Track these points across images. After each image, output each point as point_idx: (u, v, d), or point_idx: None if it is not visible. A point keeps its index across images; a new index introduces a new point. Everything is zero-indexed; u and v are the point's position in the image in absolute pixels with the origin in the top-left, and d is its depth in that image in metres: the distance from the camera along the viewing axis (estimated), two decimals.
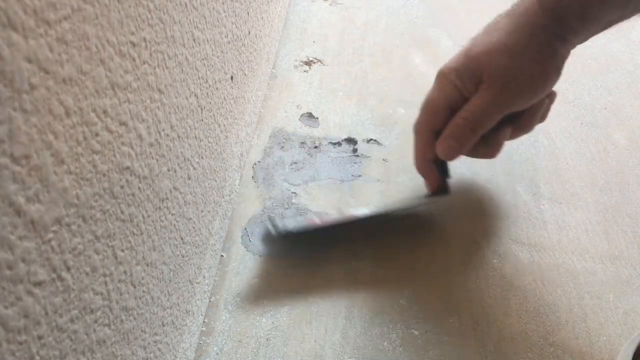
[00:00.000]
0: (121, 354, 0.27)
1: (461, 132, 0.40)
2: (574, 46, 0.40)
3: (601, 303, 0.44)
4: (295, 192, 0.51)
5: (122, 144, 0.25)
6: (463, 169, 0.53)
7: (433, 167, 0.44)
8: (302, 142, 0.55)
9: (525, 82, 0.39)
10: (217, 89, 0.40)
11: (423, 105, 0.43)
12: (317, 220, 0.45)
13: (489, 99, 0.39)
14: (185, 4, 0.31)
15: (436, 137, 0.42)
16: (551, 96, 0.44)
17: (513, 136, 0.44)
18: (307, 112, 0.58)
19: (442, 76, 0.42)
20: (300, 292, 0.44)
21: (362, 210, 0.45)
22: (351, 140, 0.56)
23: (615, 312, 0.44)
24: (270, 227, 0.44)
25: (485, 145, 0.43)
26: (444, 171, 0.45)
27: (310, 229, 0.44)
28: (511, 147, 0.56)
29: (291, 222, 0.45)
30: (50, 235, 0.20)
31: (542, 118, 0.45)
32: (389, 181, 0.52)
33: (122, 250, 0.26)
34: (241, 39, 0.46)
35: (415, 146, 0.44)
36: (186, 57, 0.32)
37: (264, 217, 0.47)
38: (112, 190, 0.24)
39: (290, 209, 0.49)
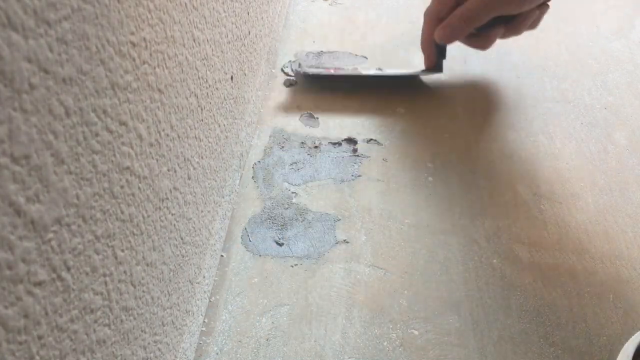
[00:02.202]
0: (121, 354, 0.27)
1: (456, 23, 0.50)
2: None
3: (601, 303, 0.44)
4: (295, 192, 0.51)
5: (122, 144, 0.25)
6: (464, 169, 0.53)
7: (433, 47, 0.54)
8: (302, 142, 0.55)
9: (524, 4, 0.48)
10: (217, 89, 0.40)
11: None
12: (332, 70, 0.60)
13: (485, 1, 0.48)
14: (185, 4, 0.31)
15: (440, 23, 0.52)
16: (542, 7, 0.52)
17: (504, 36, 0.54)
18: (307, 112, 0.58)
19: None
20: (300, 292, 0.44)
21: (371, 70, 0.60)
22: (351, 140, 0.56)
23: (615, 312, 0.44)
24: (294, 68, 0.61)
25: (479, 38, 0.53)
26: (441, 53, 0.56)
27: (326, 76, 0.59)
28: (511, 147, 0.56)
29: (311, 69, 0.61)
30: (50, 235, 0.20)
31: (532, 26, 0.54)
32: (389, 181, 0.52)
33: (122, 250, 0.26)
34: (241, 39, 0.46)
35: (422, 28, 0.54)
36: (186, 57, 0.32)
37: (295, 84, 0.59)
38: (112, 190, 0.24)
39: (291, 209, 0.49)
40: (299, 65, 0.61)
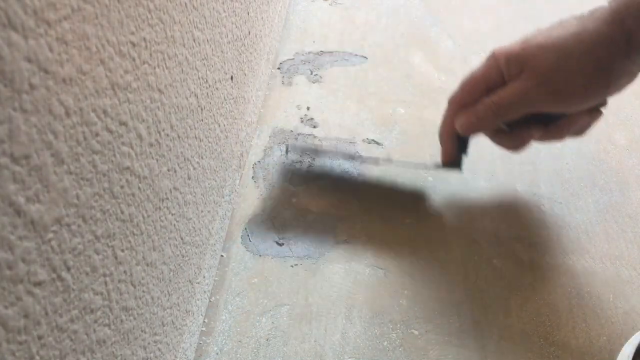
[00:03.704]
0: (121, 354, 0.27)
1: (484, 112, 0.41)
2: (636, 66, 0.38)
3: (601, 303, 0.44)
4: (295, 192, 0.51)
5: (122, 144, 0.25)
6: (464, 169, 0.53)
7: (454, 139, 0.45)
8: (302, 142, 0.55)
9: (565, 87, 0.38)
10: (217, 89, 0.40)
11: (464, 79, 0.43)
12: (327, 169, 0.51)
13: (521, 89, 0.39)
14: (185, 4, 0.31)
15: None
16: (594, 114, 0.42)
17: (542, 139, 0.44)
18: (307, 112, 0.58)
19: (492, 57, 0.42)
20: (300, 292, 0.44)
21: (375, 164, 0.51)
22: (351, 141, 0.56)
23: (615, 312, 0.44)
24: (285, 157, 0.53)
25: (511, 137, 0.43)
26: (463, 147, 0.46)
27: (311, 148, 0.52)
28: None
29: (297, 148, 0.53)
30: (50, 235, 0.20)
31: (579, 132, 0.44)
32: (389, 181, 0.52)
33: (122, 250, 0.26)
34: (241, 39, 0.46)
35: (443, 115, 0.45)
36: (186, 57, 0.32)
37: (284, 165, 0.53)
38: (112, 190, 0.24)
39: (291, 209, 0.49)
40: (287, 151, 0.53)
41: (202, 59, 0.36)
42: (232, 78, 0.44)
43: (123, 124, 0.25)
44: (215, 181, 0.42)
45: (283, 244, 0.47)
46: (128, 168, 0.26)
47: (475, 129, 0.43)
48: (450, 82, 0.62)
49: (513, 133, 0.43)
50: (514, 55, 0.40)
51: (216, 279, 0.45)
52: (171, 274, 0.34)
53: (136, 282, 0.28)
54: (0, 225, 0.17)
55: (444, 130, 0.45)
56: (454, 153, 0.45)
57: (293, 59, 0.65)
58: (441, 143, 0.46)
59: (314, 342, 0.41)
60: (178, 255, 0.35)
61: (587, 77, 0.38)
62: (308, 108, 0.59)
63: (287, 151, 0.52)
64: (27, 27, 0.17)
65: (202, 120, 0.37)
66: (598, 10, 0.38)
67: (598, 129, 0.59)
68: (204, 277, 0.41)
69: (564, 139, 0.44)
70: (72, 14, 0.20)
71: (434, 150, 0.55)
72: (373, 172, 0.53)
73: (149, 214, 0.29)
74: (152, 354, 0.32)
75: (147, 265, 0.30)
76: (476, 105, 0.41)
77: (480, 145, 0.57)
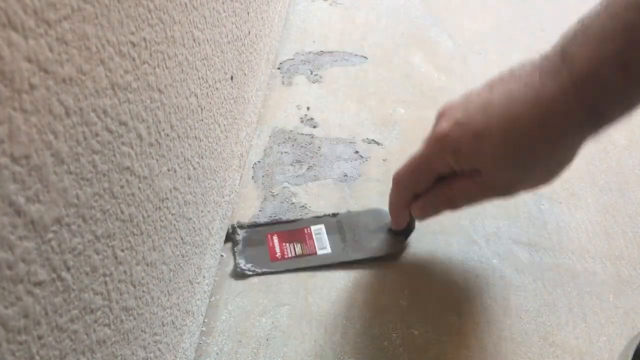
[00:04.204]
0: (121, 354, 0.27)
1: (441, 206, 0.41)
2: (590, 137, 0.35)
3: (601, 303, 0.44)
4: (295, 192, 0.51)
5: (122, 144, 0.25)
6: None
7: (406, 216, 0.44)
8: (302, 142, 0.55)
9: (530, 179, 0.37)
10: (217, 89, 0.40)
11: (410, 166, 0.41)
12: (277, 257, 0.46)
13: (480, 190, 0.38)
14: (185, 4, 0.31)
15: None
16: None
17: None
18: (307, 112, 0.58)
19: (438, 144, 0.38)
20: (300, 292, 0.44)
21: (326, 250, 0.46)
22: (351, 141, 0.56)
23: (615, 312, 0.44)
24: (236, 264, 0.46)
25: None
26: (412, 222, 0.46)
27: (266, 272, 0.45)
28: None
29: (251, 263, 0.45)
30: (50, 235, 0.20)
31: None
32: (389, 181, 0.52)
33: (122, 250, 0.26)
34: (241, 39, 0.46)
35: (393, 197, 0.43)
36: (186, 57, 0.32)
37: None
38: (112, 190, 0.24)
39: (291, 209, 0.49)
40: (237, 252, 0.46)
41: (202, 59, 0.36)
42: (232, 78, 0.44)
43: (123, 124, 0.25)
44: (215, 181, 0.42)
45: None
46: (128, 168, 0.26)
47: (432, 216, 0.42)
48: (450, 82, 0.62)
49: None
50: (465, 155, 0.36)
51: (216, 279, 0.45)
52: (171, 274, 0.34)
53: (136, 282, 0.28)
54: (0, 225, 0.17)
55: (397, 212, 0.44)
56: (406, 223, 0.45)
57: (293, 59, 0.65)
58: (393, 218, 0.45)
59: (314, 342, 0.41)
60: (178, 255, 0.35)
61: (553, 164, 0.36)
62: (308, 108, 0.59)
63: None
64: (27, 27, 0.17)
65: (202, 120, 0.37)
66: (551, 73, 0.33)
67: None
68: (204, 277, 0.41)
69: None
70: (72, 14, 0.20)
71: None
72: (372, 173, 0.53)
73: (149, 214, 0.29)
74: (152, 354, 0.32)
75: (147, 265, 0.30)
76: (430, 199, 0.40)
77: None
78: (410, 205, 0.42)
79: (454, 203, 0.40)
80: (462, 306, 0.44)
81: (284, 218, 0.48)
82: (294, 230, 0.47)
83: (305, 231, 0.47)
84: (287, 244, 0.46)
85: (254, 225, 0.48)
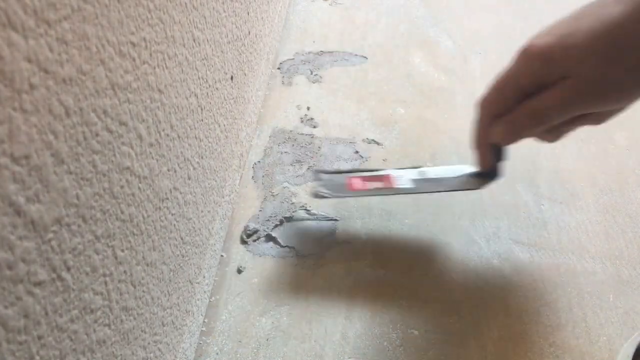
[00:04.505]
0: (121, 354, 0.27)
1: (526, 123, 0.37)
2: None
3: (601, 303, 0.44)
4: (295, 192, 0.51)
5: (122, 144, 0.25)
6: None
7: (490, 149, 0.41)
8: (302, 142, 0.55)
9: (622, 89, 0.35)
10: (217, 89, 0.40)
11: (495, 82, 0.39)
12: (356, 186, 0.45)
13: (567, 97, 0.35)
14: (185, 4, 0.31)
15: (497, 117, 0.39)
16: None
17: (581, 126, 0.40)
18: (307, 112, 0.58)
19: (526, 57, 0.37)
20: (300, 292, 0.44)
21: (405, 185, 0.45)
22: (351, 141, 0.56)
23: (615, 312, 0.44)
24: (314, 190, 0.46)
25: (548, 132, 0.39)
26: (498, 154, 0.42)
27: (346, 195, 0.45)
28: (511, 147, 0.56)
29: (331, 189, 0.45)
30: (50, 235, 0.20)
31: (618, 113, 0.40)
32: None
33: (122, 250, 0.26)
34: (241, 39, 0.46)
35: (476, 123, 0.40)
36: (186, 57, 0.32)
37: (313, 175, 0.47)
38: (112, 190, 0.24)
39: (291, 209, 0.49)
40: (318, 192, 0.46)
41: (202, 59, 0.36)
42: (232, 78, 0.44)
43: (123, 124, 0.25)
44: (215, 181, 0.42)
45: (283, 244, 0.47)
46: (128, 168, 0.26)
47: (517, 139, 0.39)
48: (450, 82, 0.62)
49: (553, 129, 0.39)
50: (553, 59, 0.35)
51: (216, 279, 0.45)
52: (171, 274, 0.34)
53: (136, 282, 0.28)
54: (0, 225, 0.17)
55: (480, 139, 0.41)
56: (492, 161, 0.42)
57: (293, 59, 0.65)
58: (477, 152, 0.42)
59: (314, 342, 0.41)
60: (178, 255, 0.35)
61: (639, 75, 0.34)
62: (308, 108, 0.59)
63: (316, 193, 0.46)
64: (27, 27, 0.17)
65: (202, 120, 0.37)
66: None
67: (598, 129, 0.59)
68: (204, 277, 0.41)
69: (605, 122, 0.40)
70: (72, 14, 0.20)
71: (434, 150, 0.55)
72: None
73: (149, 214, 0.29)
74: (152, 354, 0.32)
75: (147, 265, 0.30)
76: (515, 114, 0.37)
77: None
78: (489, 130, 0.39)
79: (540, 118, 0.36)
80: (462, 306, 0.44)
81: (367, 168, 0.48)
82: (375, 175, 0.46)
83: (387, 174, 0.46)
84: (368, 182, 0.46)
85: (336, 172, 0.47)
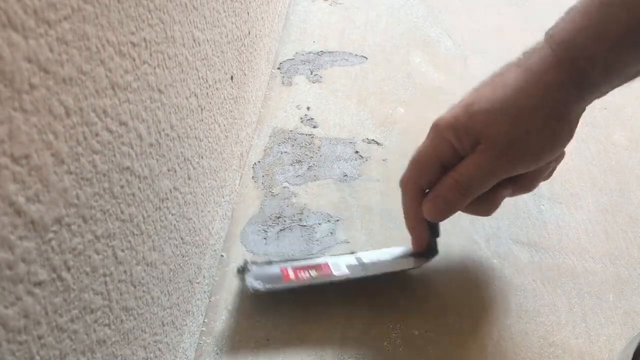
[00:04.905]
0: (121, 354, 0.27)
1: (451, 195, 0.38)
2: (589, 103, 0.36)
3: (601, 303, 0.44)
4: (295, 192, 0.51)
5: (122, 144, 0.25)
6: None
7: (424, 226, 0.41)
8: (302, 142, 0.55)
9: (529, 150, 0.36)
10: (217, 89, 0.40)
11: (413, 159, 0.40)
12: (291, 278, 0.42)
13: (484, 163, 0.36)
14: (185, 4, 0.31)
15: (425, 194, 0.40)
16: (559, 157, 0.41)
17: (513, 194, 0.41)
18: (307, 112, 0.58)
19: (437, 130, 0.38)
20: (300, 293, 0.44)
21: (342, 271, 0.43)
22: (351, 141, 0.56)
23: (615, 312, 0.44)
24: (243, 282, 0.42)
25: (479, 204, 0.40)
26: (433, 231, 0.42)
27: (283, 289, 0.42)
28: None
29: (263, 281, 0.41)
30: (50, 235, 0.20)
31: (547, 177, 0.42)
32: (389, 181, 0.52)
33: (122, 250, 0.26)
34: (241, 39, 0.46)
35: (403, 204, 0.41)
36: (186, 57, 0.32)
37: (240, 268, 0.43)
38: (112, 190, 0.24)
39: (291, 209, 0.49)
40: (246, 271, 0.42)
41: (202, 59, 0.36)
42: (232, 78, 0.44)
43: (123, 124, 0.25)
44: (215, 181, 0.42)
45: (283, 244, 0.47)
46: (128, 168, 0.26)
47: (447, 214, 0.39)
48: (450, 82, 0.62)
49: (482, 201, 0.39)
50: (461, 126, 0.36)
51: (216, 279, 0.45)
52: (171, 274, 0.34)
53: (136, 282, 0.28)
54: (0, 225, 0.17)
55: (413, 219, 0.41)
56: (426, 241, 0.42)
57: (293, 59, 0.65)
58: (410, 232, 0.42)
59: (314, 342, 0.41)
60: (178, 255, 0.35)
61: (548, 133, 0.35)
62: (308, 108, 0.59)
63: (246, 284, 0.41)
64: (27, 27, 0.17)
65: (202, 120, 0.37)
66: (535, 52, 0.35)
67: (598, 129, 0.59)
68: (204, 277, 0.41)
69: (535, 188, 0.42)
70: (72, 14, 0.20)
71: None
72: (372, 173, 0.53)
73: (149, 214, 0.29)
74: (152, 354, 0.32)
75: (147, 265, 0.30)
76: (439, 188, 0.38)
77: None
78: (421, 210, 0.40)
79: (464, 186, 0.37)
80: (462, 306, 0.44)
81: (301, 257, 0.45)
82: (310, 264, 0.43)
83: (322, 264, 0.43)
84: (302, 272, 0.43)
85: (267, 263, 0.44)
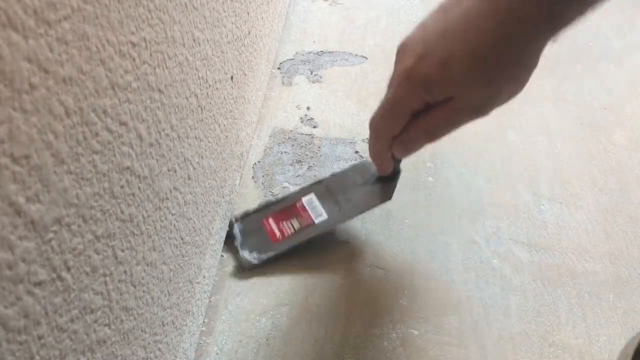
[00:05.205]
0: (121, 354, 0.27)
1: (420, 141, 0.41)
2: (550, 39, 0.36)
3: (601, 303, 0.44)
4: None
5: (122, 144, 0.25)
6: (463, 169, 0.53)
7: (391, 160, 0.44)
8: (302, 142, 0.55)
9: (501, 98, 0.37)
10: (217, 89, 0.40)
11: (385, 107, 0.41)
12: (278, 238, 0.46)
13: (454, 117, 0.38)
14: (185, 4, 0.31)
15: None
16: None
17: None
18: (307, 112, 0.58)
19: (409, 84, 0.38)
20: (300, 292, 0.44)
21: (321, 217, 0.47)
22: (351, 141, 0.56)
23: (615, 312, 0.44)
24: (237, 260, 0.46)
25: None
26: (397, 162, 0.46)
27: (271, 256, 0.45)
28: (511, 147, 0.56)
29: (254, 251, 0.46)
30: (50, 235, 0.20)
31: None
32: None
33: (122, 250, 0.26)
34: (241, 39, 0.46)
35: (372, 144, 0.43)
36: (186, 57, 0.32)
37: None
38: (112, 190, 0.24)
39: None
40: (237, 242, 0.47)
41: (202, 59, 0.36)
42: (232, 78, 0.44)
43: (123, 124, 0.25)
44: (215, 181, 0.42)
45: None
46: (128, 168, 0.26)
47: (414, 151, 0.42)
48: None
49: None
50: (437, 86, 0.37)
51: (216, 279, 0.45)
52: (171, 274, 0.34)
53: (136, 282, 0.28)
54: (0, 225, 0.17)
55: (381, 157, 0.44)
56: (392, 167, 0.45)
57: (293, 59, 0.65)
58: (379, 166, 0.45)
59: (314, 342, 0.41)
60: (178, 255, 0.35)
61: (520, 75, 0.36)
62: (308, 108, 0.59)
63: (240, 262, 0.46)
64: (27, 27, 0.17)
65: (202, 120, 0.37)
66: None
67: (598, 129, 0.59)
68: (204, 277, 0.41)
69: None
70: (72, 14, 0.20)
71: (433, 150, 0.55)
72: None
73: (149, 214, 0.29)
74: (152, 354, 0.32)
75: (147, 265, 0.30)
76: (410, 134, 0.41)
77: (481, 147, 0.57)
78: (390, 149, 0.43)
79: (433, 134, 0.40)
80: (462, 306, 0.44)
81: (273, 199, 0.48)
82: (286, 207, 0.48)
83: (298, 205, 0.47)
84: (284, 222, 0.47)
85: (246, 215, 0.48)
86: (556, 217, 0.50)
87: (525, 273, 0.46)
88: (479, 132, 0.57)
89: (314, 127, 0.57)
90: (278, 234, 0.46)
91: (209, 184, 0.40)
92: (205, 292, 0.42)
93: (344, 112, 0.58)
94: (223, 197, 0.45)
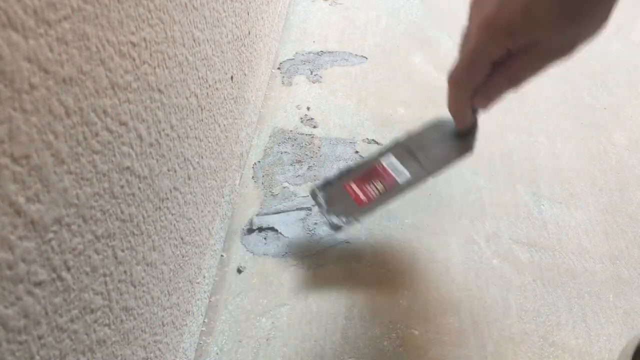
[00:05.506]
0: (121, 354, 0.27)
1: (503, 89, 0.41)
2: None
3: (601, 303, 0.44)
4: (295, 192, 0.51)
5: (122, 144, 0.25)
6: (463, 168, 0.53)
7: (471, 112, 0.44)
8: (302, 142, 0.55)
9: (586, 38, 0.37)
10: (217, 89, 0.40)
11: (466, 58, 0.41)
12: (362, 200, 0.46)
13: (538, 64, 0.38)
14: (185, 4, 0.31)
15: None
16: None
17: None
18: (307, 112, 0.58)
19: (490, 33, 0.38)
20: (300, 292, 0.44)
21: (403, 175, 0.46)
22: (351, 141, 0.56)
23: (615, 312, 0.44)
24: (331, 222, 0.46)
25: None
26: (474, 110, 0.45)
27: (360, 213, 0.46)
28: (511, 147, 0.56)
29: (341, 215, 0.46)
30: (50, 235, 0.20)
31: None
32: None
33: (122, 250, 0.26)
34: (241, 39, 0.46)
35: (453, 98, 0.43)
36: (186, 57, 0.32)
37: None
38: (112, 190, 0.24)
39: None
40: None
41: (202, 59, 0.36)
42: (232, 78, 0.44)
43: (123, 124, 0.25)
44: (215, 181, 0.42)
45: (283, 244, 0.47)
46: (128, 168, 0.26)
47: (494, 104, 0.42)
48: None
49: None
50: (520, 34, 0.37)
51: (216, 279, 0.45)
52: (171, 274, 0.34)
53: (136, 282, 0.28)
54: (0, 225, 0.17)
55: (462, 110, 0.44)
56: (471, 120, 0.45)
57: (293, 59, 0.65)
58: (458, 120, 0.44)
59: (314, 342, 0.41)
60: (178, 255, 0.35)
61: (604, 10, 0.35)
62: (308, 108, 0.59)
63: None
64: (27, 27, 0.17)
65: (202, 120, 0.37)
66: None
67: (598, 129, 0.59)
68: (204, 277, 0.41)
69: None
70: (72, 14, 0.20)
71: None
72: None
73: (149, 214, 0.29)
74: (152, 354, 0.32)
75: (147, 265, 0.30)
76: (494, 83, 0.40)
77: (481, 146, 0.57)
78: (471, 101, 0.42)
79: (517, 82, 0.39)
80: (462, 306, 0.44)
81: (353, 165, 0.48)
82: (366, 171, 0.47)
83: (378, 167, 0.47)
84: (367, 186, 0.46)
85: (327, 183, 0.47)
86: (556, 217, 0.50)
87: (525, 273, 0.46)
88: (479, 132, 0.57)
89: (314, 127, 0.57)
90: (363, 197, 0.46)
91: (209, 184, 0.40)
92: (205, 292, 0.42)
93: (344, 112, 0.58)
94: (223, 197, 0.45)
